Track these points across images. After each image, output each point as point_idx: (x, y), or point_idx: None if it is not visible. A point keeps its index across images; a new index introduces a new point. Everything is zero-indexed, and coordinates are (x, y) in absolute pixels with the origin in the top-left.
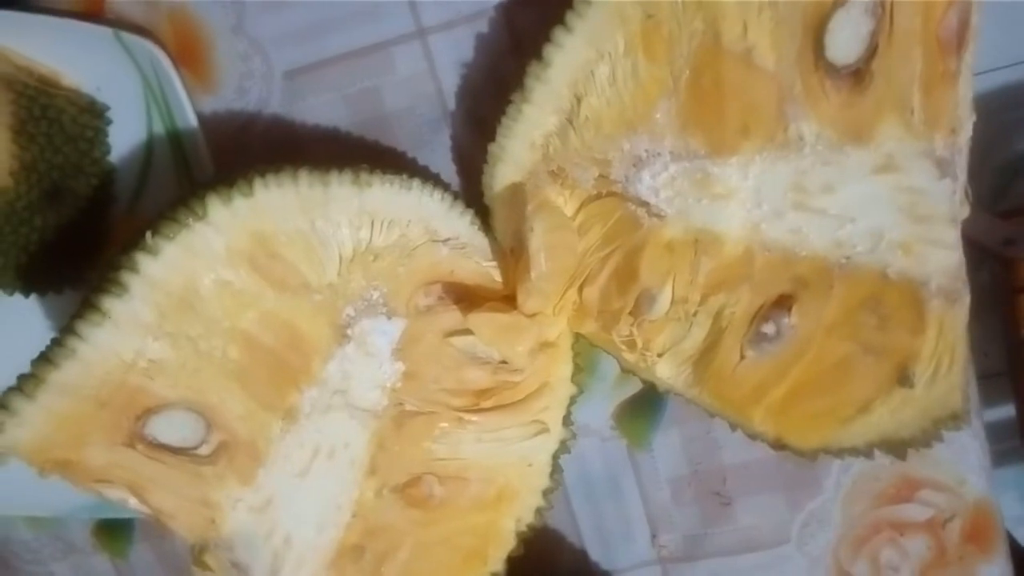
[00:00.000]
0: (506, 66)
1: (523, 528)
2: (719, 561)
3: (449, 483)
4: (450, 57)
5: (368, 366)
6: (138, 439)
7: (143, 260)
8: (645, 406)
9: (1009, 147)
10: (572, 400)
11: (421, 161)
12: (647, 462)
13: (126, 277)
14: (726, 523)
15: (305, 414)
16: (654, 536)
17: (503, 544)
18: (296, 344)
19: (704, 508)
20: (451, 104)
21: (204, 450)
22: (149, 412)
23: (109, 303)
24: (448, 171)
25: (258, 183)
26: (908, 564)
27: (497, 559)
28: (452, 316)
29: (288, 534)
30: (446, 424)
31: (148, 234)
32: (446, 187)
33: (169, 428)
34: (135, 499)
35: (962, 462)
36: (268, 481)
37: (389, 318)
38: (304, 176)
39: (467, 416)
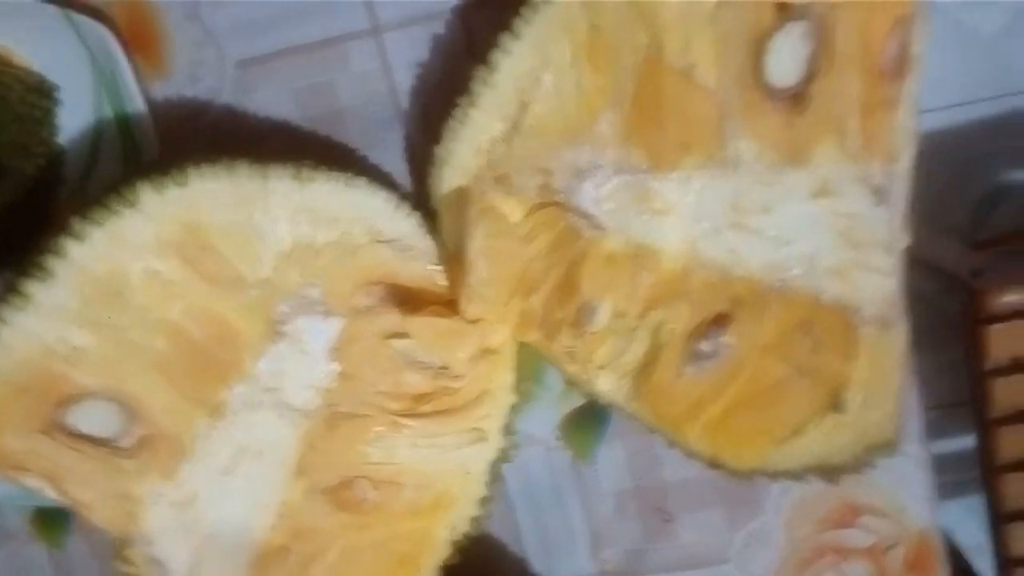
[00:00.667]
0: (460, 69)
1: (458, 537)
2: None
3: (382, 488)
4: (405, 56)
5: (302, 365)
6: (57, 428)
7: (69, 245)
8: (590, 418)
9: (988, 178)
10: (514, 409)
11: (373, 160)
12: (591, 475)
13: (51, 262)
14: (667, 539)
15: (233, 411)
16: (596, 549)
17: (436, 552)
18: (226, 339)
19: (646, 523)
20: (404, 104)
21: (125, 442)
22: (69, 400)
23: (33, 287)
24: (400, 171)
25: (193, 173)
26: None
27: (430, 567)
28: (392, 318)
29: (211, 532)
30: (381, 428)
31: (75, 219)
32: (395, 187)
33: (89, 418)
34: (53, 489)
35: (905, 490)
36: (192, 477)
37: (326, 317)
38: (242, 168)
39: (404, 421)
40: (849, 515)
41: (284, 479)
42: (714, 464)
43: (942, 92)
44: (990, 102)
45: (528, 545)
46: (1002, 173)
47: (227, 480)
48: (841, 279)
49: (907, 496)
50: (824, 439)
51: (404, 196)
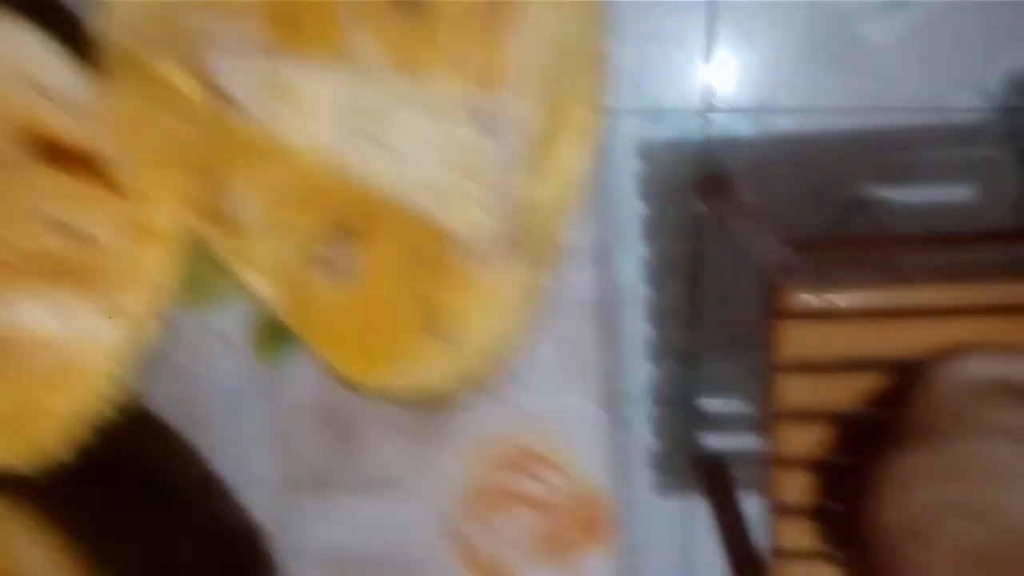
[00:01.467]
0: None
1: (90, 416)
2: (338, 495)
3: None
4: None
5: None
6: None
7: None
8: (278, 323)
9: (850, 187)
10: (171, 297)
11: (64, 9)
12: (278, 382)
13: None
14: (348, 457)
15: None
16: (277, 459)
17: (56, 426)
18: None
19: (329, 439)
20: None
21: None
22: None
23: None
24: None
25: None
26: (517, 534)
27: (48, 440)
28: (35, 173)
29: None
30: (7, 285)
31: None
32: (79, 39)
33: None
34: None
35: (583, 450)
36: None
37: None
38: None
39: (34, 282)
40: (526, 462)
41: None
42: (338, 377)
43: (821, 93)
44: (864, 113)
45: (210, 444)
46: (863, 185)
47: None
48: (447, 205)
49: (584, 456)
50: (428, 365)
51: (84, 48)
